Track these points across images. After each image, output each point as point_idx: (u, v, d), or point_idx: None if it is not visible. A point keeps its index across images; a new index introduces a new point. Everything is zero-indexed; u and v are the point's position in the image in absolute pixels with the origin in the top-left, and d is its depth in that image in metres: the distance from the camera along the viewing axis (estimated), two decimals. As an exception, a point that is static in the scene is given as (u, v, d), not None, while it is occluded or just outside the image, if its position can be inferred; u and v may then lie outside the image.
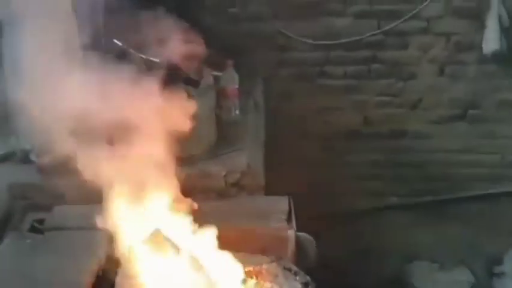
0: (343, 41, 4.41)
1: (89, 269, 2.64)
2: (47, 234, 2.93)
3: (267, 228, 2.89)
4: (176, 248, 2.54)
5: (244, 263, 2.72)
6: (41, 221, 3.02)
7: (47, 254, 2.75)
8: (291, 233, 2.85)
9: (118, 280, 2.63)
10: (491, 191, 4.73)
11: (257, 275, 2.65)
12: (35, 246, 2.82)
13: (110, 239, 2.73)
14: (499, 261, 4.70)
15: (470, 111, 4.56)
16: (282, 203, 3.05)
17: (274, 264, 2.69)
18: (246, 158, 3.43)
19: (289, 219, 2.95)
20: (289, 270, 2.67)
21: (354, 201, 4.79)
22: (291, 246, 2.82)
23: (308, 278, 2.66)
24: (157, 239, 2.54)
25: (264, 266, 2.67)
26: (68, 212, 3.01)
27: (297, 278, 2.64)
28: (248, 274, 2.68)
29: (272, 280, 2.60)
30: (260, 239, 2.84)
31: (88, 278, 2.59)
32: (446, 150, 4.72)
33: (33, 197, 3.19)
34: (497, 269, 4.67)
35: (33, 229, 3.00)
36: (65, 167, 2.78)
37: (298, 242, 2.84)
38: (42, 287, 2.54)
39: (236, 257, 2.73)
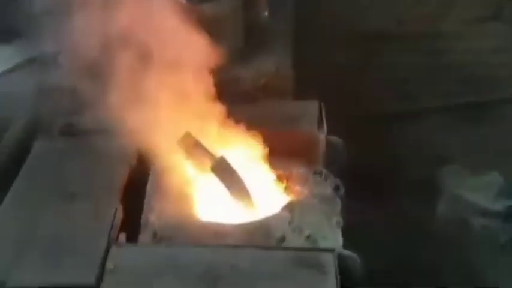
0: None
1: (120, 172, 2.64)
2: (77, 138, 2.91)
3: (297, 131, 2.85)
4: (207, 151, 2.53)
5: (274, 167, 2.70)
6: (71, 125, 3.01)
7: (78, 158, 2.76)
8: (322, 136, 2.81)
9: (151, 181, 2.64)
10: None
11: (287, 178, 2.65)
12: (66, 150, 2.83)
13: (141, 143, 2.73)
14: (531, 164, 4.63)
15: (506, 11, 4.40)
16: (312, 107, 3.01)
17: (304, 168, 2.67)
18: (274, 62, 3.38)
19: (319, 123, 2.91)
20: (320, 174, 2.65)
21: (385, 105, 4.72)
22: (321, 150, 2.79)
23: (338, 181, 2.64)
24: (189, 141, 2.53)
25: (294, 170, 2.66)
26: (99, 116, 2.99)
27: (327, 181, 2.61)
28: (278, 178, 2.67)
29: (302, 184, 2.59)
30: (290, 142, 2.79)
31: (120, 181, 2.59)
32: (480, 51, 4.59)
33: (62, 101, 3.17)
34: (528, 174, 4.61)
35: (63, 133, 3.00)
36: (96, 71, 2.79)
37: (329, 146, 2.81)
38: (75, 190, 2.55)
39: (266, 160, 2.73)
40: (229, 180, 2.52)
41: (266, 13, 3.67)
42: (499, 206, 4.19)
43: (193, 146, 2.54)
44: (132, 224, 2.51)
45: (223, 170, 2.52)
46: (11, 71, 3.42)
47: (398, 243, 3.94)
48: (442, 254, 4.04)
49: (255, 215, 2.50)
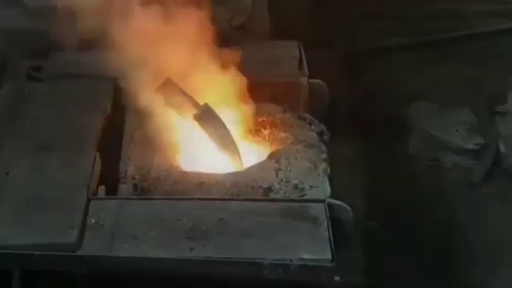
0: None
1: (95, 119, 2.52)
2: (45, 82, 2.77)
3: (279, 75, 2.74)
4: (190, 98, 2.42)
5: (256, 112, 2.61)
6: (38, 68, 2.86)
7: (49, 105, 2.63)
8: (304, 80, 2.72)
9: (127, 129, 2.52)
10: (496, 27, 4.56)
11: (271, 125, 2.55)
12: (36, 96, 2.68)
13: (116, 87, 2.60)
14: (502, 100, 4.61)
15: None
16: (292, 49, 2.90)
17: (288, 114, 2.58)
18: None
19: (300, 66, 2.81)
20: (304, 119, 2.57)
21: (357, 41, 4.64)
22: (304, 94, 2.70)
23: (323, 126, 2.57)
24: (170, 87, 2.41)
25: (278, 116, 2.57)
26: (67, 58, 2.84)
27: (312, 127, 2.53)
28: (261, 124, 2.57)
29: (287, 130, 2.51)
30: (271, 86, 2.71)
31: (96, 130, 2.47)
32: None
33: (28, 43, 3.01)
34: (500, 108, 4.59)
35: (30, 77, 2.84)
36: (64, 11, 2.63)
37: (312, 90, 2.71)
38: (48, 140, 2.42)
39: (247, 106, 2.63)
40: (213, 128, 2.41)
41: None
42: (470, 144, 4.19)
43: (175, 93, 2.41)
44: (109, 176, 2.40)
45: (208, 118, 2.41)
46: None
47: (371, 180, 3.93)
48: (414, 192, 4.05)
49: (240, 165, 2.42)
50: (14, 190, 2.22)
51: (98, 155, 2.37)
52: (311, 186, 2.27)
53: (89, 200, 2.18)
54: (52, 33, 2.88)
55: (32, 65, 2.90)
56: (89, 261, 2.00)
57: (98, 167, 2.34)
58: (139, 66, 2.45)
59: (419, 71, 4.61)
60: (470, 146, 4.12)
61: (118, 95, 2.61)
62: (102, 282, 2.05)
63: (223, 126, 2.44)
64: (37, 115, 2.56)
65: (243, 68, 2.74)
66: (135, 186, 2.29)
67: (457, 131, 4.27)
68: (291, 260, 1.95)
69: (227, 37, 3.13)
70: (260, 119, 2.58)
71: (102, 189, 2.27)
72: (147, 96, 2.46)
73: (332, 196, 2.23)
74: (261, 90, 2.67)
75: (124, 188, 2.30)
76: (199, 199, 2.18)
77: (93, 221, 2.10)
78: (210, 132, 2.42)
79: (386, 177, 4.00)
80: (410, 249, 3.22)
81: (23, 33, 3.04)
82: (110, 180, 2.35)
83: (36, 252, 1.98)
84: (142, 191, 2.28)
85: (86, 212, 2.13)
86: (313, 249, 2.01)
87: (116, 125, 2.59)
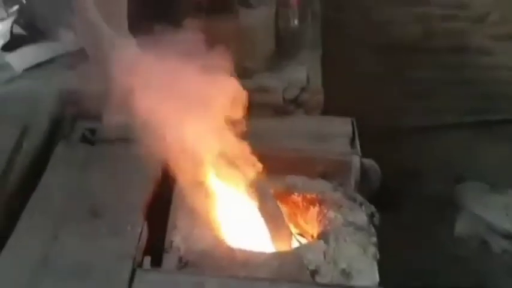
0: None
1: (145, 187, 2.52)
2: (98, 145, 2.79)
3: (330, 152, 2.73)
4: (241, 172, 2.42)
5: (305, 188, 2.59)
6: (92, 131, 2.89)
7: (100, 169, 2.64)
8: (356, 159, 2.68)
9: (175, 199, 2.52)
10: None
11: (320, 203, 2.52)
12: (87, 159, 2.70)
13: (167, 156, 2.60)
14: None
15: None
16: (345, 125, 2.89)
17: (338, 192, 2.55)
18: (306, 73, 3.26)
19: (352, 143, 2.79)
20: (354, 200, 2.53)
21: (407, 118, 4.64)
22: (355, 173, 2.66)
23: (373, 208, 2.52)
24: (223, 160, 2.41)
25: (328, 194, 2.53)
26: (121, 123, 2.86)
27: (362, 208, 2.49)
28: (310, 201, 2.54)
29: (336, 210, 2.47)
30: (322, 163, 2.68)
31: (145, 198, 2.47)
32: (508, 68, 4.50)
33: (85, 106, 3.05)
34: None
35: (84, 139, 2.87)
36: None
37: (363, 170, 2.68)
38: (97, 205, 2.43)
39: (296, 180, 2.61)
40: (264, 204, 2.39)
41: (296, 21, 3.54)
42: (520, 229, 4.11)
43: (226, 165, 2.41)
44: (155, 245, 2.39)
45: (259, 194, 2.40)
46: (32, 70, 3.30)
47: (416, 259, 3.87)
48: (460, 275, 3.97)
49: (289, 244, 2.39)
50: (62, 255, 2.21)
51: (145, 224, 2.36)
52: (359, 272, 2.22)
53: (133, 271, 2.16)
54: (109, 97, 2.92)
55: (87, 126, 2.92)
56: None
57: (145, 236, 2.33)
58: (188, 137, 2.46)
59: (470, 150, 4.59)
60: (520, 232, 4.05)
61: (169, 164, 2.60)
62: None
63: (274, 202, 2.43)
64: (88, 179, 2.57)
65: (293, 141, 2.74)
66: (179, 259, 2.26)
67: (507, 215, 4.21)
68: None
69: (280, 109, 3.16)
70: (309, 196, 2.55)
71: (147, 260, 2.26)
72: (196, 167, 2.46)
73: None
74: (310, 166, 2.65)
75: (168, 259, 2.28)
76: (244, 279, 2.14)
77: (137, 293, 2.09)
78: (260, 206, 2.40)
79: (431, 258, 3.95)
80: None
81: (81, 95, 3.09)
82: (156, 248, 2.34)
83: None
84: (186, 264, 2.25)
85: (130, 283, 2.11)
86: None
87: (165, 194, 2.58)
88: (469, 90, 4.57)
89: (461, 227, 4.34)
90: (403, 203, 4.37)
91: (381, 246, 2.39)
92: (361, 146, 2.80)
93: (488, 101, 4.58)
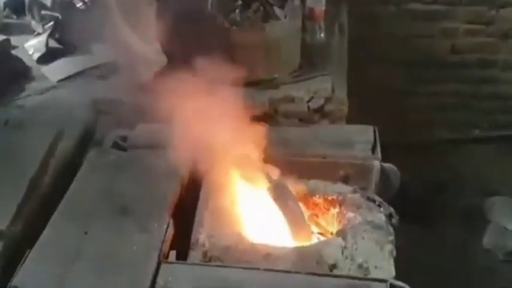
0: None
1: (172, 188, 2.63)
2: (130, 151, 2.91)
3: (352, 157, 2.81)
4: (263, 172, 2.52)
5: (327, 191, 2.67)
6: (124, 138, 3.01)
7: (130, 172, 2.75)
8: (376, 163, 2.76)
9: (202, 199, 2.63)
10: None
11: (340, 204, 2.60)
12: (118, 163, 2.82)
13: (193, 159, 2.72)
14: None
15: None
16: (367, 133, 2.96)
17: (357, 194, 2.63)
18: (331, 84, 3.36)
19: (373, 150, 2.87)
20: (373, 201, 2.60)
21: (435, 132, 4.68)
22: (376, 177, 2.74)
23: (392, 209, 2.59)
24: (245, 161, 2.52)
25: (348, 196, 2.61)
26: (151, 130, 2.99)
27: (381, 209, 2.57)
28: (331, 203, 2.63)
29: (355, 210, 2.54)
30: (343, 168, 2.76)
31: (171, 198, 2.58)
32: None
33: (116, 114, 3.20)
34: None
35: (116, 146, 3.00)
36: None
37: (383, 173, 2.76)
38: (126, 204, 2.54)
39: (318, 184, 2.70)
40: (284, 203, 2.49)
41: (322, 34, 3.65)
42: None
43: (250, 167, 2.52)
44: (181, 242, 2.49)
45: (280, 193, 2.50)
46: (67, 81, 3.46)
47: (444, 273, 3.90)
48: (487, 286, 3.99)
49: (308, 240, 2.47)
50: (91, 249, 2.33)
51: (171, 221, 2.46)
52: (375, 267, 2.29)
53: (159, 263, 2.26)
54: (140, 106, 3.06)
55: (119, 134, 3.05)
56: (156, 322, 2.08)
57: (171, 232, 2.43)
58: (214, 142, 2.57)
59: (497, 164, 4.61)
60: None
61: (196, 167, 2.71)
62: None
63: (295, 201, 2.52)
64: (118, 181, 2.69)
65: (316, 147, 2.84)
66: (204, 253, 2.36)
67: (533, 227, 4.23)
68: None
69: (305, 118, 3.26)
70: (330, 198, 2.64)
71: (173, 254, 2.36)
72: (223, 169, 2.57)
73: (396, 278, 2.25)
74: (332, 171, 2.74)
75: (194, 255, 2.38)
76: (265, 270, 2.23)
77: (162, 283, 2.19)
78: (282, 206, 2.49)
79: (458, 269, 3.98)
80: None
81: (113, 104, 3.23)
82: (182, 246, 2.44)
83: (105, 308, 2.07)
84: (211, 259, 2.35)
85: (156, 275, 2.21)
86: (373, 328, 2.03)
87: (191, 195, 2.68)
88: (495, 105, 4.61)
89: (489, 239, 4.37)
90: (431, 215, 4.42)
91: (408, 256, 2.45)
92: (387, 158, 2.86)
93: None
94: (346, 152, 2.86)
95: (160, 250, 2.31)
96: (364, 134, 2.98)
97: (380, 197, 2.67)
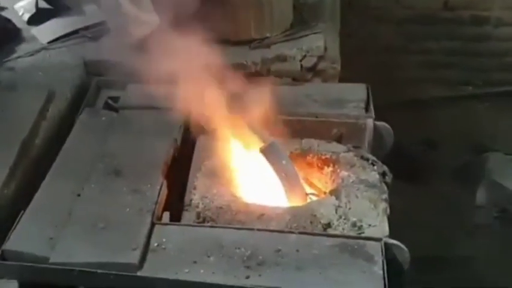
0: None
1: (165, 149, 2.61)
2: (121, 112, 2.89)
3: (345, 115, 2.80)
4: (257, 132, 2.51)
5: (320, 150, 2.66)
6: (115, 99, 2.99)
7: (122, 133, 2.74)
8: (370, 121, 2.75)
9: (195, 160, 2.61)
10: None
11: (334, 163, 2.60)
12: (110, 124, 2.80)
13: (186, 120, 2.70)
14: None
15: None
16: (360, 91, 2.95)
17: (351, 153, 2.62)
18: (323, 42, 3.33)
19: (367, 108, 2.86)
20: (367, 159, 2.60)
21: (428, 90, 4.66)
22: (369, 135, 2.74)
23: (385, 167, 2.59)
24: (239, 122, 2.50)
25: (341, 155, 2.61)
26: (143, 91, 2.96)
27: (375, 167, 2.56)
28: (325, 162, 2.62)
29: (349, 169, 2.54)
30: (337, 126, 2.75)
31: (165, 158, 2.57)
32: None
33: (108, 75, 3.17)
34: None
35: (108, 106, 2.98)
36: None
37: (376, 131, 2.75)
38: (119, 165, 2.53)
39: (312, 143, 2.69)
40: (278, 163, 2.48)
41: (314, -8, 3.62)
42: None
43: (242, 126, 2.51)
44: (174, 202, 2.48)
45: (273, 153, 2.48)
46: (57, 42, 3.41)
47: (437, 229, 3.91)
48: (479, 243, 4.01)
49: (302, 200, 2.47)
50: (83, 211, 2.32)
51: (164, 182, 2.45)
52: (369, 225, 2.29)
53: (153, 225, 2.26)
54: (131, 67, 3.02)
55: (110, 95, 3.03)
56: (149, 283, 2.07)
57: (164, 194, 2.43)
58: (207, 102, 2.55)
59: (492, 121, 4.60)
60: (542, 201, 4.06)
61: (188, 128, 2.70)
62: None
63: (289, 161, 2.51)
64: (110, 142, 2.67)
65: (309, 106, 2.83)
66: (198, 214, 2.36)
67: (527, 184, 4.22)
68: (342, 296, 1.97)
69: (298, 77, 3.24)
70: (323, 157, 2.63)
71: (166, 215, 2.36)
72: (215, 129, 2.56)
73: (390, 236, 2.25)
74: (326, 129, 2.73)
75: (187, 216, 2.38)
76: (258, 230, 2.23)
77: (156, 244, 2.19)
78: (275, 166, 2.48)
79: (452, 226, 3.99)
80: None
81: (104, 65, 3.20)
82: (175, 208, 2.44)
83: (99, 271, 2.06)
84: (204, 220, 2.35)
85: (149, 236, 2.21)
86: (366, 286, 2.03)
87: (184, 156, 2.67)
88: (488, 62, 4.58)
89: (482, 195, 4.37)
90: (424, 173, 4.42)
91: (401, 213, 2.45)
92: (380, 116, 2.85)
93: (507, 72, 4.58)
94: (339, 111, 2.85)
95: (154, 211, 2.31)
96: (357, 93, 2.96)
97: (373, 155, 2.67)
